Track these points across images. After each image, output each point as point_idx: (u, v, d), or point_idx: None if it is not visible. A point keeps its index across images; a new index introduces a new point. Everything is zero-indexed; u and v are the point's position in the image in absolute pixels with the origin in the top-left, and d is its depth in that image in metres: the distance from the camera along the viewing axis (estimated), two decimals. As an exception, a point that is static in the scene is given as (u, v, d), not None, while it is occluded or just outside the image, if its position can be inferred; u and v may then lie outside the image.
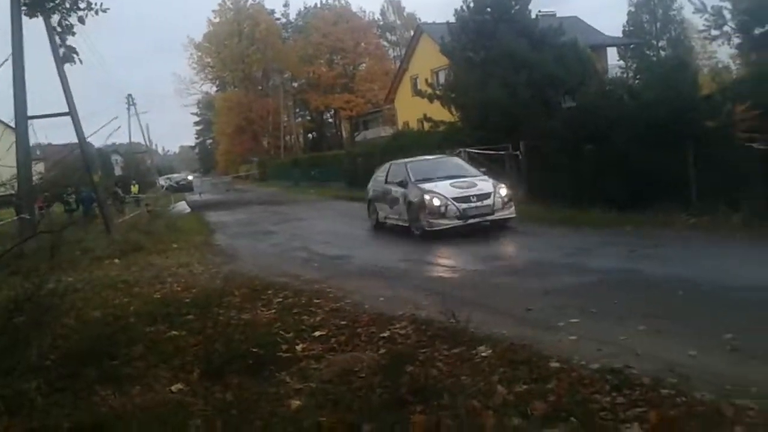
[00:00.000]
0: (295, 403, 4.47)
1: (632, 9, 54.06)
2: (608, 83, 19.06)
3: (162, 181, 60.22)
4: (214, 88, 78.60)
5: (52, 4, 17.04)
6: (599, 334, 5.78)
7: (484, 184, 13.82)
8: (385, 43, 75.65)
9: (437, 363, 5.11)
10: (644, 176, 13.19)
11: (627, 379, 4.40)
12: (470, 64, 21.99)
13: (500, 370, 4.80)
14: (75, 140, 19.47)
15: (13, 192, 18.94)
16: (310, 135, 75.39)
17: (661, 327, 5.89)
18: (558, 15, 32.70)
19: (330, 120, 76.03)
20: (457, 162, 15.94)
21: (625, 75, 32.62)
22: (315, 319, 6.98)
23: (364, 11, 75.78)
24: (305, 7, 77.04)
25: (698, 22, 17.92)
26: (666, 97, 13.31)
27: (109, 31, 63.35)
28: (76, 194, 27.00)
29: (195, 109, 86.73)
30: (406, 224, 14.23)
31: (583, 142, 15.35)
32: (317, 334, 6.34)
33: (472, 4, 23.30)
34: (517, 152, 17.55)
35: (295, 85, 73.34)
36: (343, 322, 6.73)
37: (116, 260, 13.66)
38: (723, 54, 37.81)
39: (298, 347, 5.88)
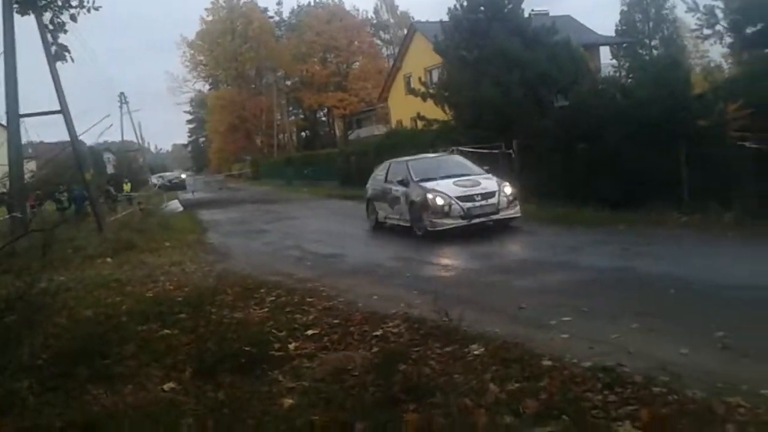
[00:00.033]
0: (288, 401, 4.46)
1: (625, 8, 54.16)
2: (601, 82, 19.09)
3: (154, 179, 59.99)
4: (207, 87, 78.45)
5: (44, 1, 16.98)
6: (591, 332, 5.80)
7: (488, 182, 13.52)
8: (379, 42, 75.62)
9: (430, 361, 5.11)
10: (637, 175, 13.22)
11: (619, 377, 4.42)
12: (463, 62, 22.02)
13: (493, 369, 4.81)
14: (67, 138, 19.37)
15: (4, 190, 18.81)
16: (303, 133, 75.26)
17: (653, 325, 5.92)
18: (551, 14, 32.69)
19: (323, 118, 75.93)
20: (460, 160, 15.59)
21: (617, 74, 32.60)
22: (308, 318, 6.98)
23: (358, 9, 76.34)
24: (298, 5, 77.00)
25: (690, 21, 17.92)
26: (658, 96, 13.35)
27: (101, 29, 63.03)
28: (68, 192, 26.88)
29: (188, 108, 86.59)
30: (408, 224, 13.90)
31: (575, 140, 15.38)
32: (310, 332, 6.34)
33: (465, 3, 23.32)
34: (510, 151, 17.56)
35: (289, 83, 73.24)
36: (336, 321, 6.73)
37: (108, 259, 13.62)
38: (715, 53, 38.04)
39: (291, 346, 5.88)
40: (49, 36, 17.42)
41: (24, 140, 18.13)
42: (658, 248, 10.10)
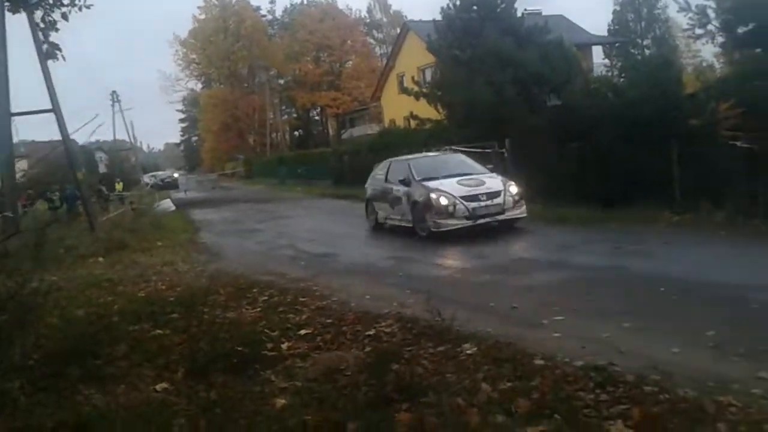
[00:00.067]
0: (280, 401, 4.46)
1: (617, 8, 54.48)
2: (593, 82, 19.13)
3: (147, 178, 59.82)
4: (200, 85, 78.28)
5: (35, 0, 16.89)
6: (583, 331, 5.82)
7: (493, 181, 13.14)
8: (372, 41, 75.65)
9: (422, 361, 5.12)
10: (629, 174, 13.27)
11: (611, 376, 4.43)
12: (456, 62, 22.04)
13: (485, 368, 4.82)
14: (59, 137, 19.30)
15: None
16: (296, 132, 75.21)
17: (644, 324, 5.95)
18: (544, 13, 32.78)
19: (316, 117, 75.85)
20: (462, 159, 15.09)
21: (610, 73, 32.67)
22: (301, 318, 6.97)
23: (351, 8, 76.41)
24: (291, 4, 76.84)
25: (682, 20, 18.02)
26: (650, 96, 13.40)
27: (93, 28, 62.90)
28: (59, 192, 26.83)
29: (180, 107, 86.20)
30: (410, 225, 13.49)
31: (568, 140, 15.42)
32: (303, 332, 6.34)
33: (458, 2, 23.40)
34: (503, 150, 17.58)
35: (282, 82, 73.22)
36: (328, 321, 6.72)
37: (100, 258, 13.56)
38: (707, 52, 38.32)
39: (284, 346, 5.87)
40: (40, 34, 17.34)
41: (15, 139, 18.09)
42: (650, 247, 10.12)
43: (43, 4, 17.12)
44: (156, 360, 5.61)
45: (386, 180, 14.89)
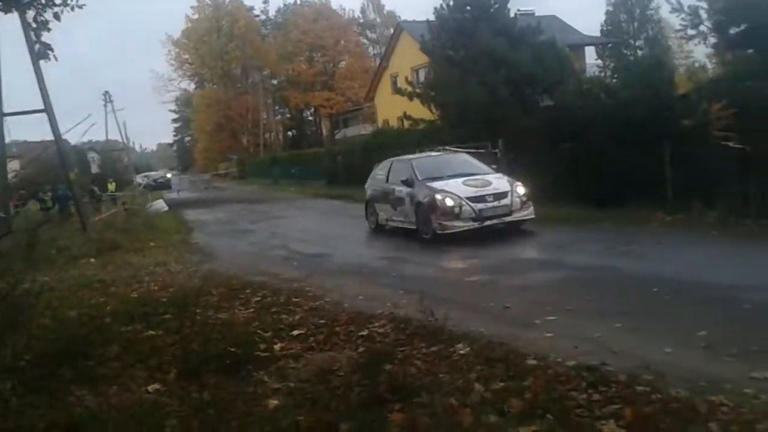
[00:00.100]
0: (273, 402, 4.45)
1: (610, 8, 54.55)
2: (586, 82, 19.18)
3: (139, 179, 59.53)
4: (193, 85, 78.04)
5: (26, -1, 16.80)
6: (576, 331, 5.83)
7: (500, 182, 12.79)
8: (365, 41, 75.66)
9: (415, 361, 5.11)
10: (621, 174, 13.31)
11: (603, 376, 4.44)
12: (450, 62, 22.08)
13: (478, 368, 4.82)
14: (51, 137, 19.23)
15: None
16: (289, 133, 75.08)
17: (636, 324, 5.95)
18: (537, 14, 32.80)
19: (310, 118, 75.78)
20: (466, 158, 14.74)
21: (602, 74, 32.87)
22: (293, 318, 6.96)
23: (344, 8, 76.25)
24: (284, 4, 76.69)
25: (675, 21, 18.15)
26: (643, 96, 13.45)
27: (85, 28, 62.67)
28: (52, 192, 26.72)
29: (173, 107, 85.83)
30: (413, 227, 13.04)
31: (561, 140, 15.45)
32: (296, 333, 6.32)
33: (451, 3, 23.43)
34: (496, 150, 17.59)
35: (275, 82, 73.12)
36: (321, 321, 6.71)
37: (92, 259, 13.53)
38: (699, 53, 38.35)
39: (276, 346, 5.86)
40: (32, 34, 17.23)
41: (8, 139, 18.00)
42: (642, 247, 10.15)
43: (35, 3, 16.87)
44: (148, 361, 5.59)
45: (387, 180, 14.52)
